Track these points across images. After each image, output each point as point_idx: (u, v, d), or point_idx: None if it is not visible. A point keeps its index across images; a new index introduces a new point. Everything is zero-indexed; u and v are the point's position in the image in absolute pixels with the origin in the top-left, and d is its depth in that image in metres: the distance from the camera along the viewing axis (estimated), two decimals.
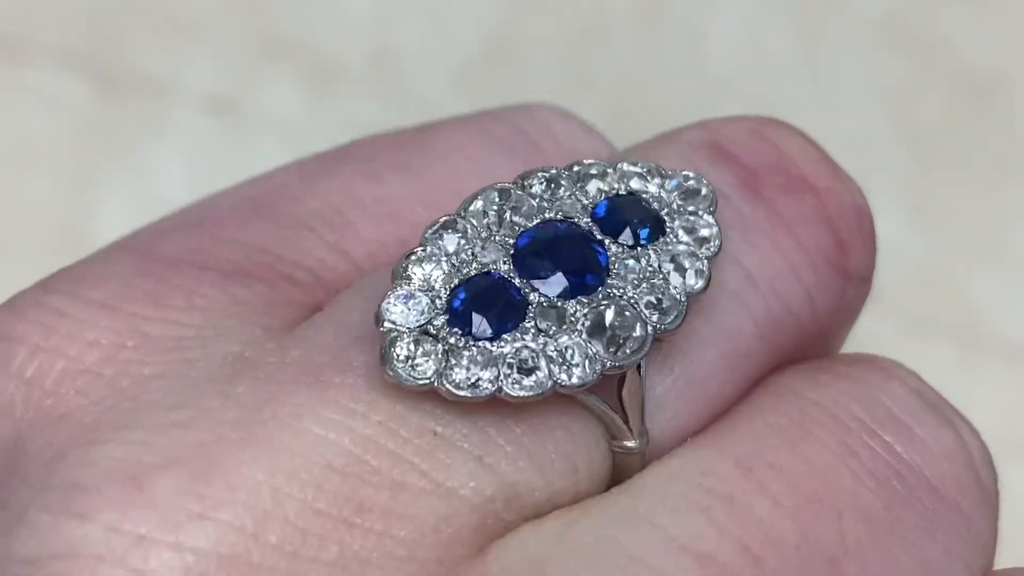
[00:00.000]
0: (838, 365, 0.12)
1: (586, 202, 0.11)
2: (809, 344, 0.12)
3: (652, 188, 0.11)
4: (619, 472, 0.11)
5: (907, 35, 0.35)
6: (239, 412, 0.10)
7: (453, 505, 0.10)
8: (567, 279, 0.10)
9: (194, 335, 0.11)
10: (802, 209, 0.11)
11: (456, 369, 0.10)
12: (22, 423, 0.10)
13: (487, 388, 0.10)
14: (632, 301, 0.10)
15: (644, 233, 0.11)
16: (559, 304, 0.10)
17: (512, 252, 0.10)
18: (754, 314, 0.11)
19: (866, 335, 0.32)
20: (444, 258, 0.10)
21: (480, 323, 0.10)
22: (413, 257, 0.11)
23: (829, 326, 0.12)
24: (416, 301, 0.10)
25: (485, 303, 0.10)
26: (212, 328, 0.11)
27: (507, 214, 0.11)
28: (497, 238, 0.10)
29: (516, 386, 0.10)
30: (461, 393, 0.10)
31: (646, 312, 0.10)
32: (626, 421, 0.10)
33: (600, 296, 0.10)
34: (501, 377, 0.10)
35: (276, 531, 0.09)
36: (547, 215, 0.11)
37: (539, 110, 0.13)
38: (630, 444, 0.11)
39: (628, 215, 0.11)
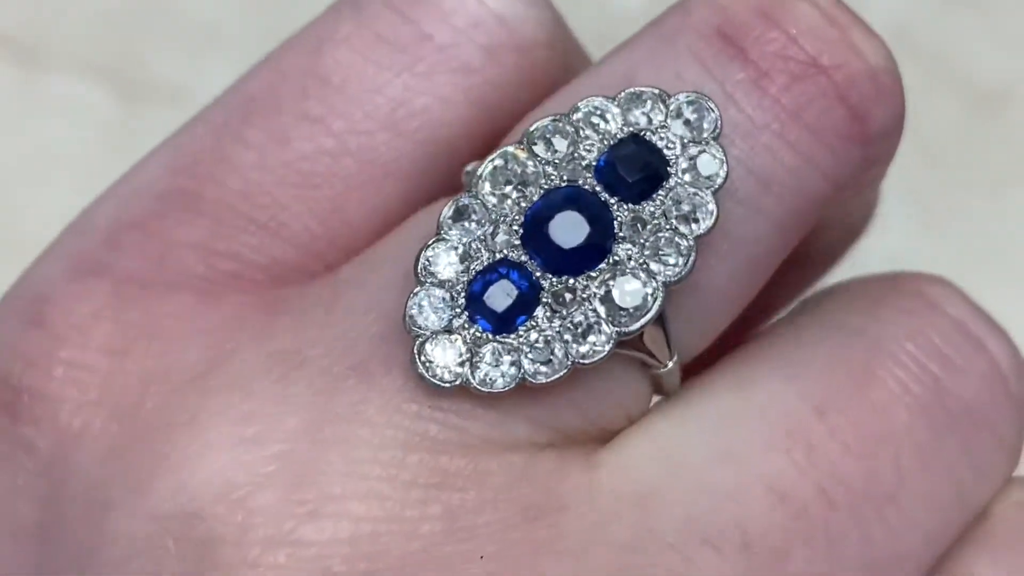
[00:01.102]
0: (893, 297, 0.12)
1: (589, 158, 0.11)
2: (839, 202, 0.12)
3: (656, 119, 0.11)
4: (659, 384, 0.11)
5: (915, 45, 0.35)
6: (303, 416, 0.11)
7: (524, 454, 0.10)
8: (575, 254, 0.10)
9: (214, 355, 0.11)
10: (812, 94, 0.11)
11: (480, 367, 0.11)
12: (79, 469, 0.11)
13: (511, 381, 0.11)
14: (641, 261, 0.10)
15: (648, 182, 0.11)
16: (570, 283, 0.10)
17: (521, 234, 0.11)
18: (771, 216, 0.11)
19: None
20: (459, 246, 0.11)
21: (497, 318, 0.11)
22: (430, 252, 0.11)
23: (858, 183, 0.12)
24: (438, 301, 0.11)
25: (500, 297, 0.11)
26: (229, 341, 0.11)
27: (513, 188, 0.11)
28: (508, 218, 0.11)
29: (538, 374, 0.11)
30: (486, 389, 0.11)
31: (655, 267, 0.10)
32: (654, 356, 0.11)
33: (609, 263, 0.10)
34: (522, 367, 0.10)
35: (377, 507, 0.10)
36: (552, 181, 0.11)
37: None
38: (664, 370, 0.11)
39: (630, 167, 0.11)
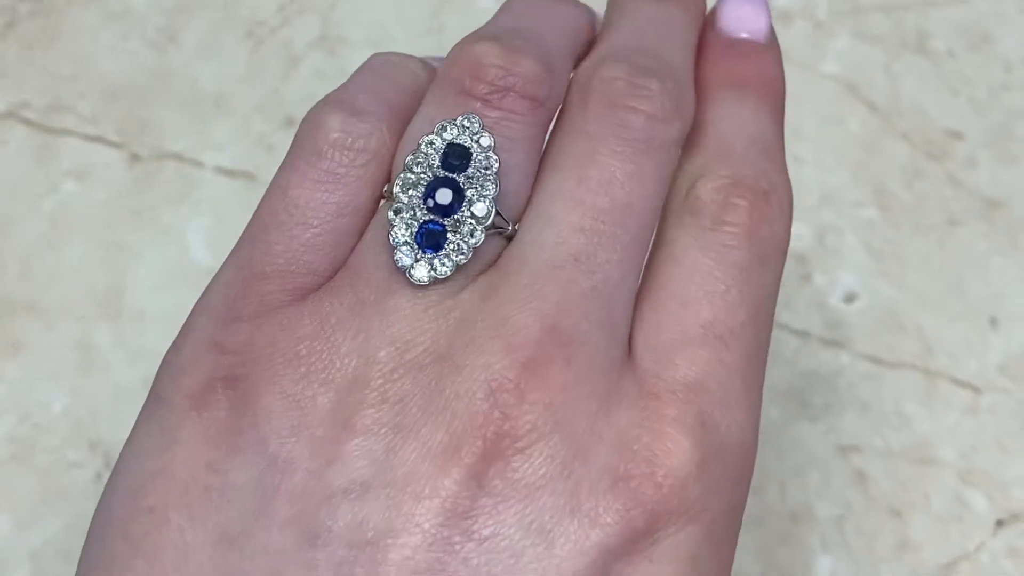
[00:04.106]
0: (597, 118, 0.22)
1: (436, 161, 0.21)
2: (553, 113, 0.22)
3: (454, 133, 0.21)
4: (511, 237, 0.21)
5: (868, 96, 0.37)
6: (372, 318, 0.20)
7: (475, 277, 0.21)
8: (452, 204, 0.20)
9: (319, 320, 0.20)
10: (508, 101, 0.21)
11: (436, 268, 0.20)
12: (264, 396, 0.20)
13: (451, 269, 0.20)
14: (480, 195, 0.20)
15: (465, 160, 0.21)
16: (455, 217, 0.20)
17: (425, 207, 0.20)
18: (518, 145, 0.21)
19: (829, 371, 0.34)
20: (403, 224, 0.20)
21: (433, 246, 0.20)
22: (393, 232, 0.20)
23: (558, 103, 0.22)
24: (407, 250, 0.20)
25: (431, 238, 0.20)
26: (322, 310, 0.20)
27: (411, 190, 0.21)
28: (417, 202, 0.21)
29: (461, 257, 0.20)
30: (443, 277, 0.20)
31: (486, 192, 0.20)
32: (503, 229, 0.21)
33: (466, 201, 0.20)
34: (454, 261, 0.20)
35: (418, 327, 0.20)
36: (425, 178, 0.21)
37: (322, 131, 0.21)
38: (510, 231, 0.21)
39: (455, 157, 0.21)
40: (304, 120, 0.22)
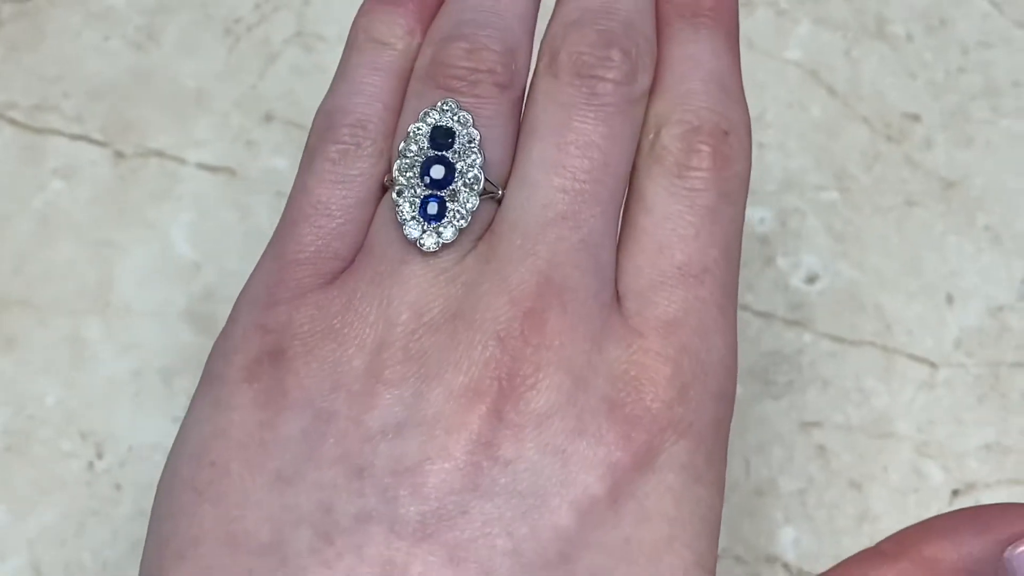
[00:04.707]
0: (579, 97, 0.24)
1: (426, 143, 0.23)
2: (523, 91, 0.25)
3: (436, 116, 0.23)
4: (500, 199, 0.24)
5: (829, 81, 0.38)
6: (392, 287, 0.22)
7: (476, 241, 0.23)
8: (446, 178, 0.23)
9: (348, 296, 0.23)
10: (480, 87, 0.23)
11: (443, 235, 0.23)
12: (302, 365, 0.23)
13: (454, 234, 0.23)
14: (468, 165, 0.23)
15: (450, 138, 0.23)
16: (450, 188, 0.23)
17: (424, 183, 0.23)
18: (499, 121, 0.24)
19: (792, 350, 0.35)
20: (407, 202, 0.23)
21: (436, 215, 0.23)
22: (399, 210, 0.23)
23: (527, 74, 0.24)
24: (415, 224, 0.23)
25: (432, 210, 0.23)
26: (348, 289, 0.23)
27: (407, 171, 0.23)
28: (416, 181, 0.23)
29: (461, 222, 0.23)
30: (447, 243, 0.23)
31: (472, 162, 0.23)
32: (493, 193, 0.23)
33: (457, 173, 0.23)
34: (456, 226, 0.23)
35: (430, 290, 0.22)
36: (419, 159, 0.23)
37: (333, 143, 0.24)
38: (499, 195, 0.23)
39: (441, 137, 0.23)
40: (314, 130, 0.25)
